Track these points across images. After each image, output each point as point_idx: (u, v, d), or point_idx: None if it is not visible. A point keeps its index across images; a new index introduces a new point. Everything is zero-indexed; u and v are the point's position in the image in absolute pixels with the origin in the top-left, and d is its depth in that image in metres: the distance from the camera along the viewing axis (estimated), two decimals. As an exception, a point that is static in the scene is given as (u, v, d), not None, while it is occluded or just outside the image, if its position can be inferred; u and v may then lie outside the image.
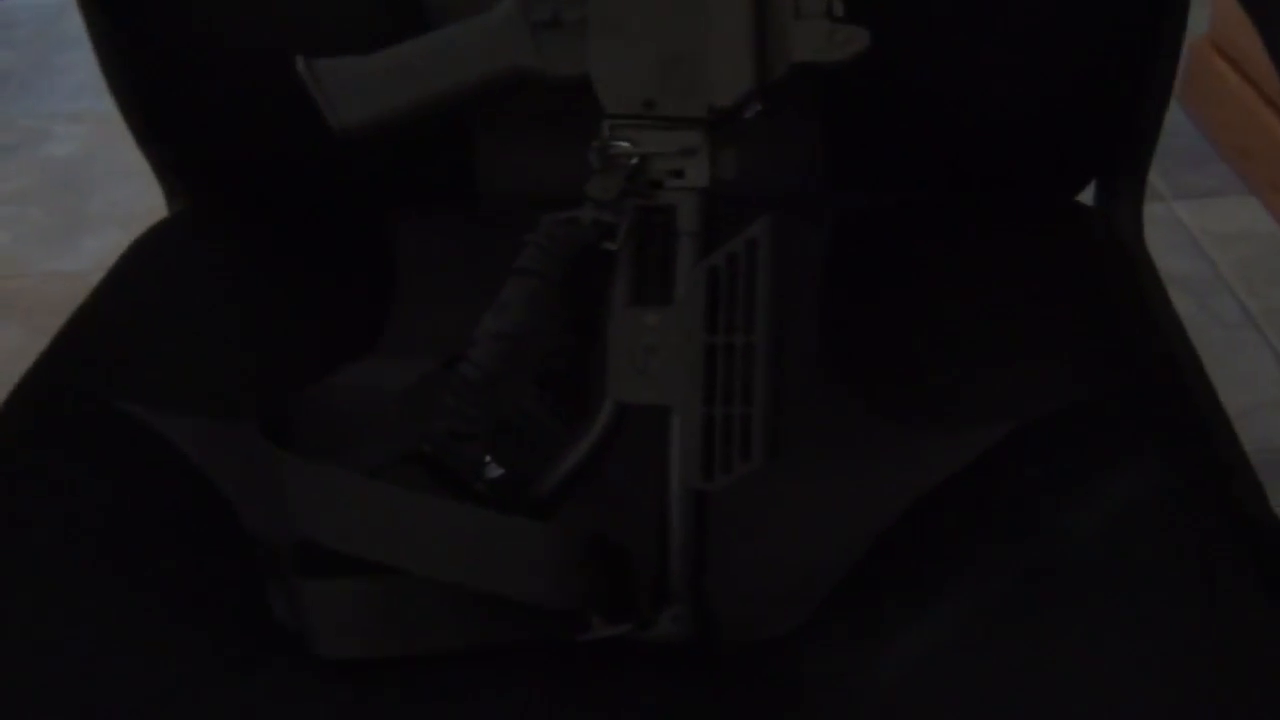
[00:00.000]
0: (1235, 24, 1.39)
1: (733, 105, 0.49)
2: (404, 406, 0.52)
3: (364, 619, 0.46)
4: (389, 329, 0.64)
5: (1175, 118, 1.08)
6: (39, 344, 0.60)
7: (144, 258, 0.67)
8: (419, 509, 0.45)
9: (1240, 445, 0.53)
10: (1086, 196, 0.72)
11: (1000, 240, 0.65)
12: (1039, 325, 0.59)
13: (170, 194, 0.72)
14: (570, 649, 0.47)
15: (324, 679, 0.45)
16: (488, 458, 0.50)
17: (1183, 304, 0.65)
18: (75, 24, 0.65)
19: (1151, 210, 0.71)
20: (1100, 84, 0.64)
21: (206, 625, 0.48)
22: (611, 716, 0.44)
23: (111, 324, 0.63)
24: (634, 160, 0.49)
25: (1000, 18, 0.61)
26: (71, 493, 0.52)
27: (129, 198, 1.21)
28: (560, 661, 0.46)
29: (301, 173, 0.69)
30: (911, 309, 0.63)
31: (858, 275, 0.67)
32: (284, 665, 0.46)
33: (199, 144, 0.69)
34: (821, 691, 0.44)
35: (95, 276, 0.65)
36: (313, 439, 0.50)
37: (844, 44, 0.48)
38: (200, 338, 0.61)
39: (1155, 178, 0.72)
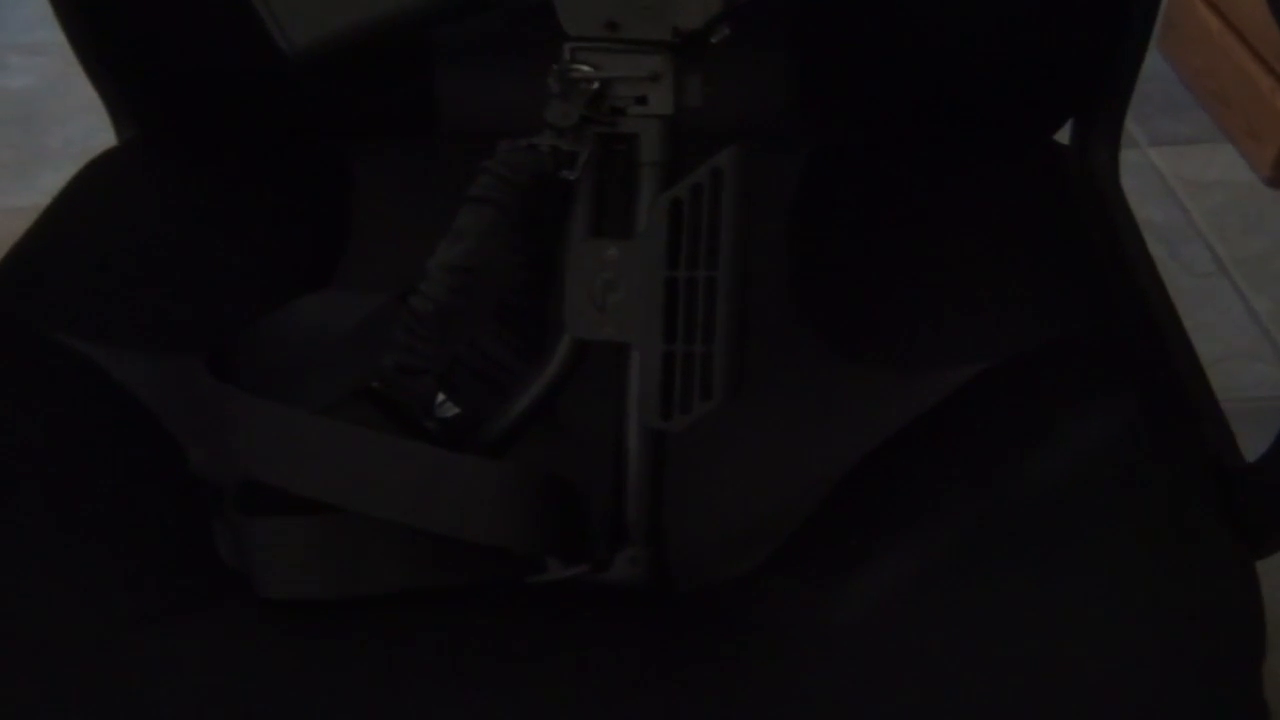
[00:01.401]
0: (1217, -32, 1.37)
1: (700, 28, 0.47)
2: (355, 341, 0.52)
3: (311, 559, 0.45)
4: (344, 262, 0.63)
5: (1153, 63, 1.07)
6: (-10, 281, 0.58)
7: (89, 188, 0.66)
8: (367, 447, 0.44)
9: (1210, 389, 0.53)
10: (1063, 137, 0.72)
11: (974, 178, 0.65)
12: (1011, 265, 0.58)
13: (118, 123, 0.70)
14: (524, 591, 0.46)
15: (270, 621, 0.44)
16: (441, 395, 0.49)
17: (1154, 252, 0.64)
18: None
19: (1126, 157, 0.70)
20: (1080, 21, 0.63)
21: (149, 566, 0.47)
22: (566, 659, 0.43)
23: (54, 256, 0.61)
24: (595, 85, 0.47)
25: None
26: (10, 429, 0.51)
27: (88, 132, 1.18)
28: (514, 604, 0.46)
29: (254, 100, 0.67)
30: (882, 246, 0.62)
31: (828, 211, 0.65)
32: (230, 607, 0.45)
33: (146, 69, 0.67)
34: (778, 633, 0.44)
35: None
36: (260, 375, 0.49)
37: None
38: (146, 270, 0.60)
39: (1131, 124, 0.71)
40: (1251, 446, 0.48)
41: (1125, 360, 0.52)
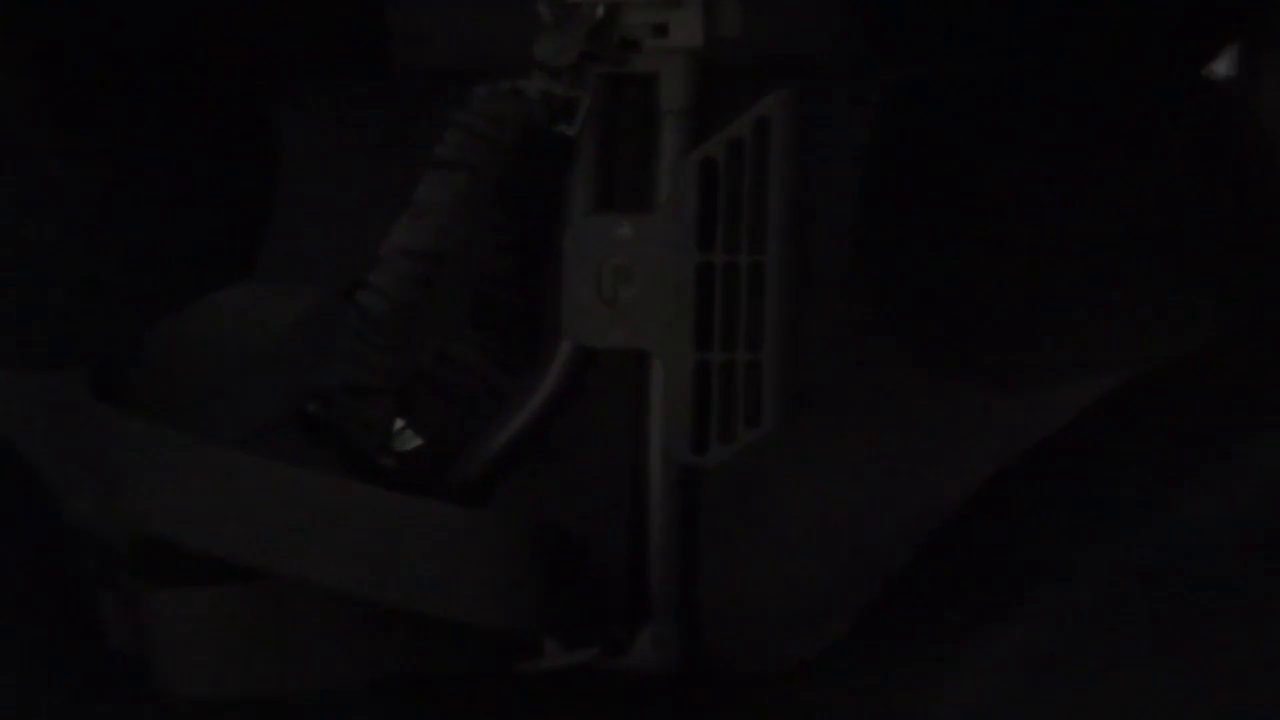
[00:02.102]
0: None
1: (736, -67, 0.48)
2: (286, 351, 0.52)
3: (231, 642, 0.45)
4: (269, 245, 0.64)
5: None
6: None
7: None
8: (304, 491, 0.44)
9: None
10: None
11: (1098, 126, 0.64)
12: (1151, 244, 0.58)
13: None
14: (515, 683, 0.47)
15: (174, 727, 0.44)
16: (400, 422, 0.50)
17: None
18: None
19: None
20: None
21: (15, 654, 0.47)
22: None
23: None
24: (599, 10, 0.48)
25: None
26: None
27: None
28: (501, 702, 0.46)
29: (151, 33, 0.66)
30: (979, 221, 0.62)
31: (909, 173, 0.65)
32: (119, 706, 0.45)
33: None
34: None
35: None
36: (163, 396, 0.50)
37: None
38: (8, 261, 0.60)
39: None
40: None
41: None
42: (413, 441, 0.49)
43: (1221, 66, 0.71)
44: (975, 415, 0.54)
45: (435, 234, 0.47)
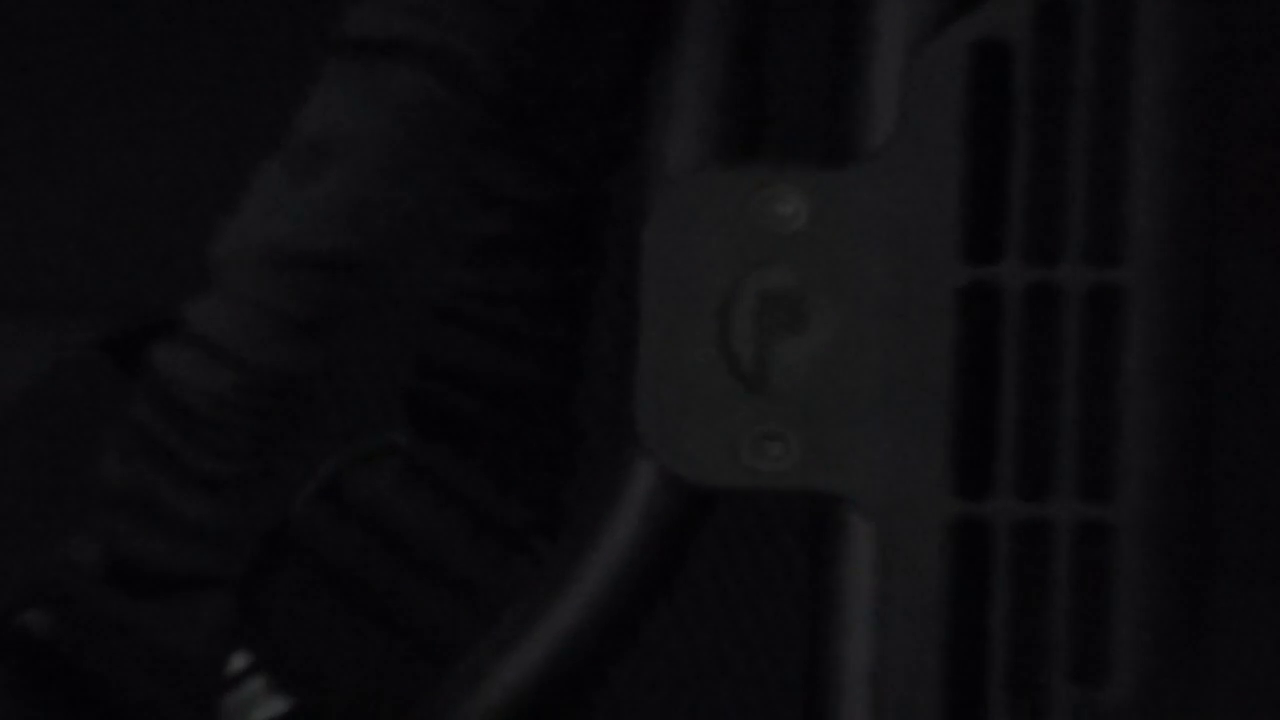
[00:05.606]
0: None
1: None
2: None
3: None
4: None
5: None
6: None
7: None
8: None
9: None
10: None
11: None
12: None
13: None
14: None
15: None
16: (243, 657, 0.44)
17: None
18: None
19: None
20: None
21: None
22: None
23: None
24: None
25: None
26: None
27: None
28: None
29: None
30: None
31: None
32: None
33: None
34: None
35: None
36: None
37: None
38: None
39: None
40: None
41: None
42: (272, 708, 0.42)
43: None
44: None
45: (352, 213, 0.41)
